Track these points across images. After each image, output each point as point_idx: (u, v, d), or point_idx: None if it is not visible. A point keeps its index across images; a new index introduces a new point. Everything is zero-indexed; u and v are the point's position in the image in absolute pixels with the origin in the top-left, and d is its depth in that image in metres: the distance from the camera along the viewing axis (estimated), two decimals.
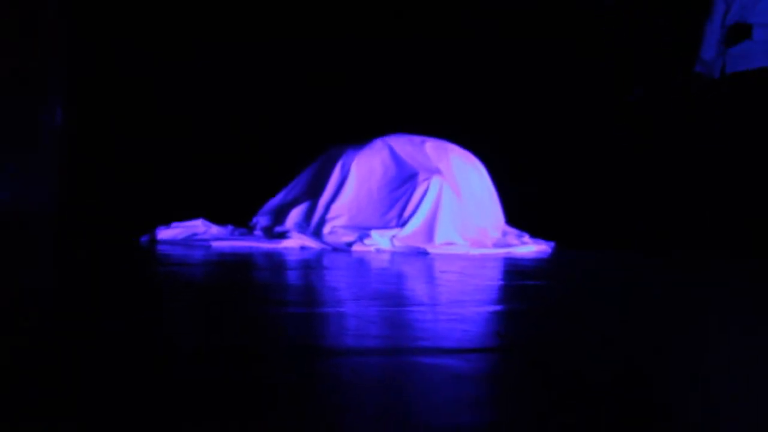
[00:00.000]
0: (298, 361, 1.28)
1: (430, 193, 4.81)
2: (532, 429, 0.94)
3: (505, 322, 1.86)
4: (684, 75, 5.60)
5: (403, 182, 4.95)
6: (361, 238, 4.63)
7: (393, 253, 4.41)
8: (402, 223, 4.74)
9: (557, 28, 6.18)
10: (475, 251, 4.64)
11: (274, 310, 1.83)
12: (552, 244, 5.44)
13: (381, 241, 4.61)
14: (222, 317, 1.74)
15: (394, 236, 4.67)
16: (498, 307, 2.13)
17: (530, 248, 5.02)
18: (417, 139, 5.34)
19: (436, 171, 4.99)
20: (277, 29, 6.41)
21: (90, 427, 0.88)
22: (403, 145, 5.24)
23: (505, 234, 5.39)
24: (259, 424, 0.91)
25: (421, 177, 4.89)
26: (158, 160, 6.33)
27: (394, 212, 4.83)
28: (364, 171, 5.10)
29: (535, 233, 5.59)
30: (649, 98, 5.87)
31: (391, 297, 2.20)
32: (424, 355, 1.34)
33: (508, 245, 5.01)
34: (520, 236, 5.41)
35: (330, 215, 4.93)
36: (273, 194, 5.44)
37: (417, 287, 2.67)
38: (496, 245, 5.00)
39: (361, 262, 3.61)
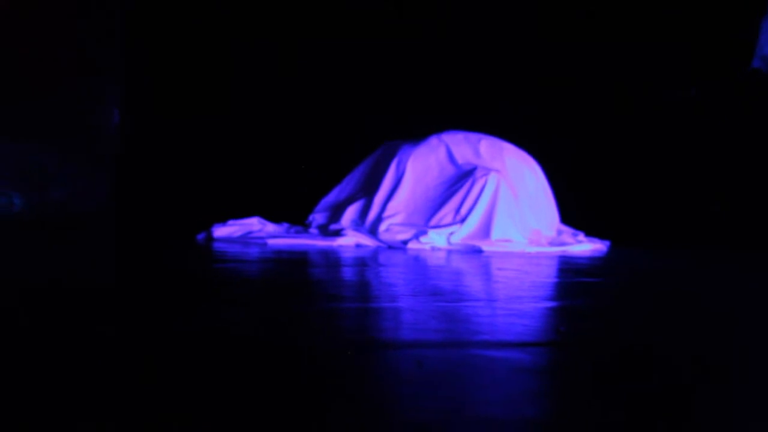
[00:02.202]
0: (361, 353, 1.28)
1: (488, 188, 4.78)
2: (595, 422, 0.94)
3: (563, 317, 1.85)
4: (741, 72, 5.51)
5: (460, 179, 4.94)
6: (417, 236, 4.63)
7: (449, 251, 4.40)
8: (461, 220, 4.72)
9: (609, 24, 6.11)
10: (531, 249, 4.61)
11: (333, 305, 1.84)
12: (607, 242, 5.38)
13: (437, 239, 4.60)
14: (281, 312, 1.76)
15: (451, 234, 4.65)
16: (556, 303, 2.11)
17: (586, 247, 4.97)
18: (473, 136, 5.32)
19: (493, 168, 4.97)
20: (332, 28, 6.42)
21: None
22: (459, 143, 5.22)
23: (560, 233, 5.35)
24: (323, 416, 0.92)
25: (478, 173, 4.88)
26: (214, 159, 6.39)
27: (450, 208, 4.81)
28: (420, 168, 5.10)
29: (591, 232, 5.54)
30: (702, 97, 5.79)
31: (448, 293, 2.20)
32: (486, 348, 1.34)
33: (564, 244, 4.97)
34: (575, 235, 5.36)
35: (386, 213, 4.93)
36: (328, 191, 5.46)
37: (474, 284, 2.66)
38: (551, 244, 4.96)
39: (417, 260, 3.62)
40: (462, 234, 4.66)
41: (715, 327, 1.78)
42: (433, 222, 4.79)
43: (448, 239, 4.64)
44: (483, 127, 5.49)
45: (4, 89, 6.22)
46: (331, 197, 5.42)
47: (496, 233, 4.66)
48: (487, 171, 4.89)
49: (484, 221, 4.73)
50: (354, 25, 6.37)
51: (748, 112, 5.60)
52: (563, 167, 5.75)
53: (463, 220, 4.71)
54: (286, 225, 5.25)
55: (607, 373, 1.21)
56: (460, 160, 5.09)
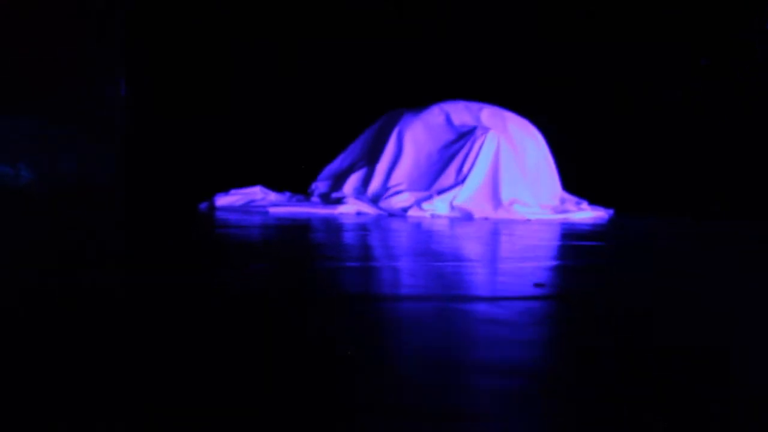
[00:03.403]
0: (349, 305, 1.35)
1: (488, 145, 4.80)
2: (564, 366, 1.00)
3: (545, 275, 1.90)
4: (755, 33, 5.51)
5: (459, 139, 4.97)
6: (418, 203, 4.67)
7: (450, 219, 4.43)
8: (462, 179, 4.74)
9: (609, 24, 6.10)
10: (532, 216, 4.65)
11: (327, 264, 1.90)
12: (611, 211, 5.42)
13: (440, 205, 4.63)
14: (281, 270, 1.82)
15: (454, 197, 4.68)
16: (539, 263, 2.17)
17: (587, 214, 5.01)
18: (474, 105, 5.34)
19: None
20: (332, 28, 6.46)
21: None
22: (460, 111, 5.25)
23: (563, 201, 5.38)
24: (313, 359, 0.98)
25: (478, 132, 4.90)
26: (218, 129, 6.44)
27: (452, 169, 4.83)
28: (421, 137, 5.13)
29: (594, 200, 5.57)
30: (715, 66, 5.78)
31: (437, 254, 2.26)
32: (460, 302, 1.40)
33: (566, 212, 5.01)
34: (578, 203, 5.39)
35: (389, 183, 4.98)
36: (331, 159, 5.51)
37: (466, 246, 2.71)
38: (554, 212, 4.99)
39: (415, 226, 3.67)
40: (464, 195, 4.69)
41: (691, 292, 1.82)
42: (435, 187, 4.82)
43: (450, 204, 4.67)
44: (484, 94, 5.52)
45: (13, 66, 6.30)
46: (334, 166, 5.47)
47: (505, 193, 4.68)
48: (486, 129, 4.92)
49: (490, 181, 4.75)
50: (354, 25, 6.39)
51: (753, 83, 5.60)
52: (567, 136, 5.77)
53: (464, 180, 4.73)
54: (288, 194, 5.31)
55: (574, 325, 1.27)
56: (459, 125, 5.12)
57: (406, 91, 6.04)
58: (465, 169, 4.79)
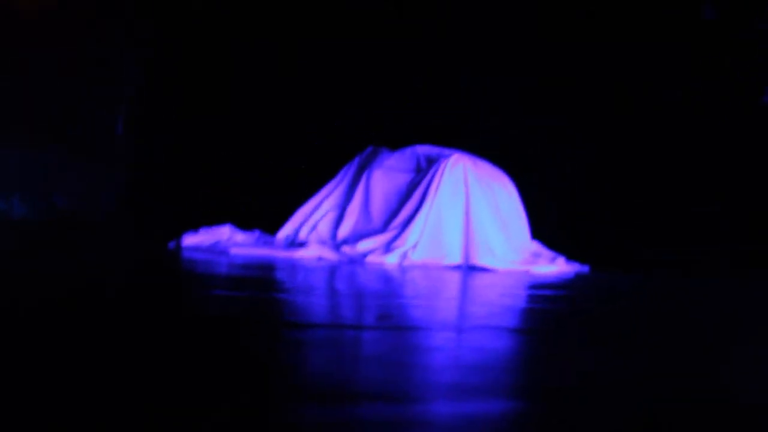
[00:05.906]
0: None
1: (451, 168, 4.88)
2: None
3: (398, 309, 2.02)
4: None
5: (423, 171, 5.07)
6: (387, 246, 4.74)
7: (407, 267, 4.49)
8: (419, 206, 4.83)
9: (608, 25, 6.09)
10: (501, 266, 4.71)
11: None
12: (586, 267, 5.38)
13: (408, 241, 4.70)
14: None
15: (421, 228, 4.76)
16: (415, 300, 2.27)
17: (551, 269, 4.98)
18: (447, 151, 5.40)
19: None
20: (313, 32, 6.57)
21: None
22: (432, 155, 5.33)
23: (537, 255, 5.34)
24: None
25: (441, 159, 4.98)
26: (200, 169, 6.61)
27: (415, 197, 4.90)
28: (389, 182, 5.18)
29: (573, 255, 5.51)
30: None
31: (326, 290, 2.38)
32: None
33: (533, 264, 5.01)
34: (553, 258, 5.33)
35: (356, 227, 5.08)
36: (305, 199, 5.59)
37: (368, 284, 2.82)
38: (524, 264, 5.00)
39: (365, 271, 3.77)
40: (430, 224, 4.79)
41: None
42: (397, 222, 4.89)
43: (415, 242, 4.73)
44: (485, 130, 5.63)
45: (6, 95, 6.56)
46: (305, 209, 5.51)
47: (477, 231, 4.76)
48: (451, 154, 5.03)
49: (460, 212, 4.82)
50: (354, 24, 6.51)
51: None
52: (546, 187, 5.80)
53: (421, 206, 4.84)
54: (258, 233, 5.36)
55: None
56: (427, 166, 5.22)
57: (405, 109, 6.13)
58: (430, 193, 4.87)
